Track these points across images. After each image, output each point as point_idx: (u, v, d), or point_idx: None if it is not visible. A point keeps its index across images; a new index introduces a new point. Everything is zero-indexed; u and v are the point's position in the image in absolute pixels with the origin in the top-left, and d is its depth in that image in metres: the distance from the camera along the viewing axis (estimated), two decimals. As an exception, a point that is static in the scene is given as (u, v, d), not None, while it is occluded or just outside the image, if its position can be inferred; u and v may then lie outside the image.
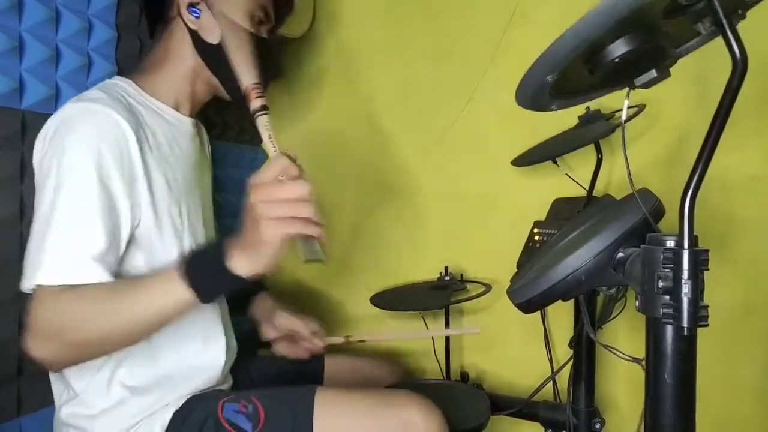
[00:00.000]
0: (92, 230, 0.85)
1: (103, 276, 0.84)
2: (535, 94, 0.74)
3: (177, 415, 0.98)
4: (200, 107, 1.14)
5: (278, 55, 1.72)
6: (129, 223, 0.91)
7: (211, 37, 1.04)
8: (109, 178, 0.89)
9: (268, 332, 1.22)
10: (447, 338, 1.47)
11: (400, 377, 1.38)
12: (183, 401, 1.00)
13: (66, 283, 0.81)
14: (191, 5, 1.04)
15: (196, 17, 1.04)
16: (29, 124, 1.07)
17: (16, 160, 1.05)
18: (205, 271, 0.81)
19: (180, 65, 1.07)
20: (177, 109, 1.08)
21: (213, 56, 1.05)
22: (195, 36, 1.05)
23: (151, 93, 1.03)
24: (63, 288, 0.82)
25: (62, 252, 0.83)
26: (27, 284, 0.83)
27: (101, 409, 0.94)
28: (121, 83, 1.01)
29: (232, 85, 1.02)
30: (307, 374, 1.28)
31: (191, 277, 0.80)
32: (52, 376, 1.00)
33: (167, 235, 0.99)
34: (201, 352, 1.04)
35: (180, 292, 0.80)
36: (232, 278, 0.79)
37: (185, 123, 1.09)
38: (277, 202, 0.77)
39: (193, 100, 1.11)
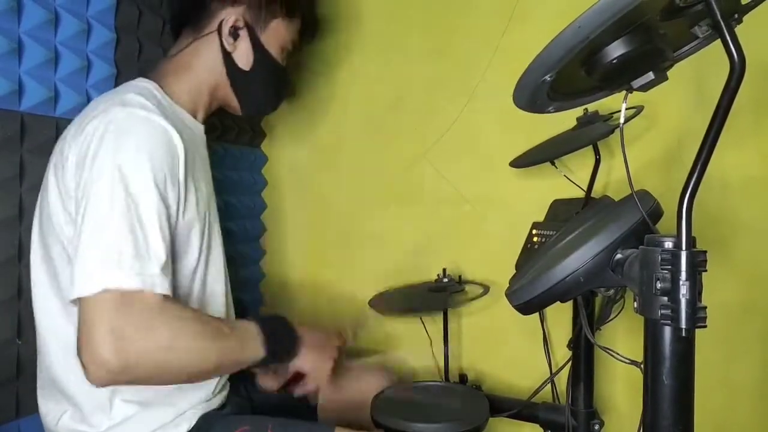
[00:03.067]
0: (157, 241, 0.85)
1: (167, 287, 0.85)
2: (533, 94, 0.74)
3: None
4: (209, 116, 1.16)
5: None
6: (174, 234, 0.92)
7: (244, 64, 1.10)
8: (165, 188, 0.89)
9: (265, 381, 1.14)
10: (446, 339, 1.47)
11: (393, 383, 1.38)
12: (194, 419, 0.99)
13: (141, 288, 0.81)
14: (234, 28, 1.07)
15: (234, 40, 1.08)
16: (28, 127, 1.07)
17: (15, 162, 1.05)
18: (279, 346, 0.99)
19: (205, 77, 1.09)
20: (194, 115, 1.09)
21: (241, 81, 1.11)
22: (228, 58, 1.08)
23: (173, 98, 1.04)
24: (164, 297, 0.82)
25: (132, 257, 0.82)
26: (92, 287, 0.79)
27: (106, 427, 0.93)
28: (149, 87, 1.00)
29: (249, 108, 1.17)
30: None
31: (271, 349, 0.96)
32: (48, 392, 0.97)
33: (194, 240, 1.00)
34: None
35: (259, 355, 0.95)
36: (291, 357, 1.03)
37: (200, 129, 1.12)
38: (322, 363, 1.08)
39: (207, 109, 1.13)
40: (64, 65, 1.13)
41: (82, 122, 0.92)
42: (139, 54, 1.30)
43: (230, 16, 1.07)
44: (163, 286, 0.84)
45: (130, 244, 0.82)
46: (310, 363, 1.06)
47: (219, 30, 1.07)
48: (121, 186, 0.84)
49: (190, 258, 0.99)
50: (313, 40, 1.28)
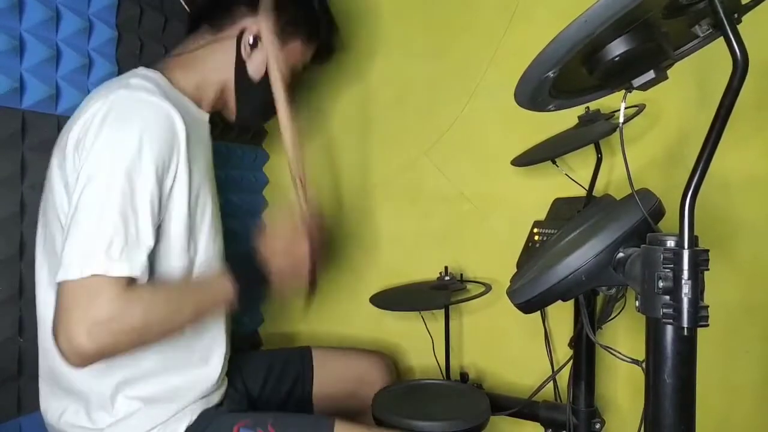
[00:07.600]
0: (147, 227, 0.86)
1: (146, 272, 0.86)
2: (535, 91, 0.74)
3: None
4: (213, 112, 1.16)
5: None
6: (163, 216, 0.93)
7: (254, 73, 1.10)
8: (163, 173, 0.89)
9: None
10: (447, 337, 1.47)
11: (393, 376, 1.38)
12: (194, 415, 0.99)
13: (128, 275, 0.82)
14: (255, 38, 1.08)
15: (251, 50, 1.09)
16: (29, 124, 1.06)
17: (16, 159, 1.05)
18: (246, 279, 1.00)
19: (215, 75, 1.10)
20: (198, 105, 1.10)
21: (246, 89, 1.12)
22: (240, 65, 1.09)
23: (179, 88, 1.04)
24: (131, 281, 0.83)
25: (122, 244, 0.83)
26: (77, 272, 0.80)
27: (107, 424, 0.93)
28: (153, 75, 1.00)
29: (245, 116, 1.17)
30: (296, 368, 1.29)
31: (238, 285, 0.98)
32: (49, 388, 0.98)
33: (195, 226, 1.00)
34: (202, 365, 1.04)
35: (232, 292, 0.97)
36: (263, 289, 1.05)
37: (205, 119, 1.12)
38: (285, 262, 1.07)
39: (212, 104, 1.14)
40: (65, 63, 1.13)
41: (84, 107, 0.92)
42: (141, 52, 1.30)
43: (253, 26, 1.07)
44: (146, 271, 0.86)
45: (121, 232, 0.83)
46: (282, 272, 1.06)
47: (239, 37, 1.08)
48: (120, 171, 0.84)
49: (188, 238, 1.00)
50: (322, 65, 1.28)
